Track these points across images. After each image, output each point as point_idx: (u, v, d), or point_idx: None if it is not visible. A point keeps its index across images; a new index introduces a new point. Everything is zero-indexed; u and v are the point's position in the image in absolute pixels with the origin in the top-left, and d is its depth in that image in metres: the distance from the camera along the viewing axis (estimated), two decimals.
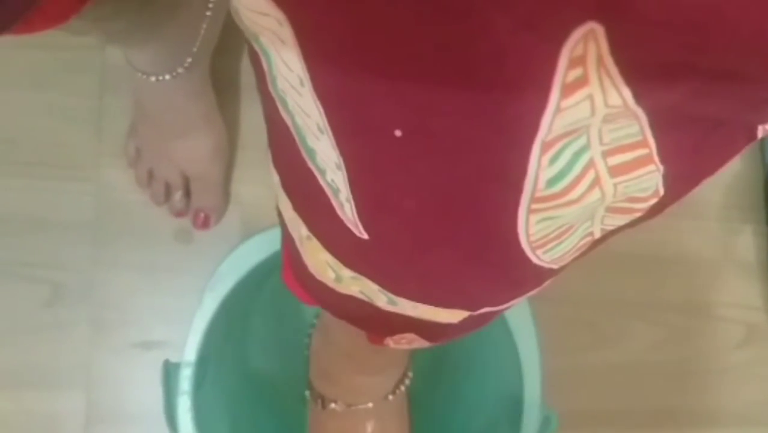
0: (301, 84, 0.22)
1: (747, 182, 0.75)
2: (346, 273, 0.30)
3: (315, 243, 0.30)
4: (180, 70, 0.60)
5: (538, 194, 0.23)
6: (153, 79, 0.60)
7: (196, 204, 0.67)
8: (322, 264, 0.31)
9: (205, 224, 0.68)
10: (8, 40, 0.35)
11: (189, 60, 0.60)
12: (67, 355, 0.69)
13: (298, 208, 0.30)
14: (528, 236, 0.25)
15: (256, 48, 0.23)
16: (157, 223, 0.70)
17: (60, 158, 0.70)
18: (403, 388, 0.48)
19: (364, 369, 0.45)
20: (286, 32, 0.21)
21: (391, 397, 0.48)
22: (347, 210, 0.26)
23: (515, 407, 0.57)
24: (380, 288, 0.29)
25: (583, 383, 0.72)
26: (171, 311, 0.70)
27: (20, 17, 0.34)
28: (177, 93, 0.61)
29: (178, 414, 0.54)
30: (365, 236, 0.26)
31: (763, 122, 0.22)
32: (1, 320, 0.69)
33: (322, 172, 0.25)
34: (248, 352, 0.67)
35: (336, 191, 0.25)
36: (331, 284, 0.31)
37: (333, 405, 0.46)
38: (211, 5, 0.61)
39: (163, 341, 0.69)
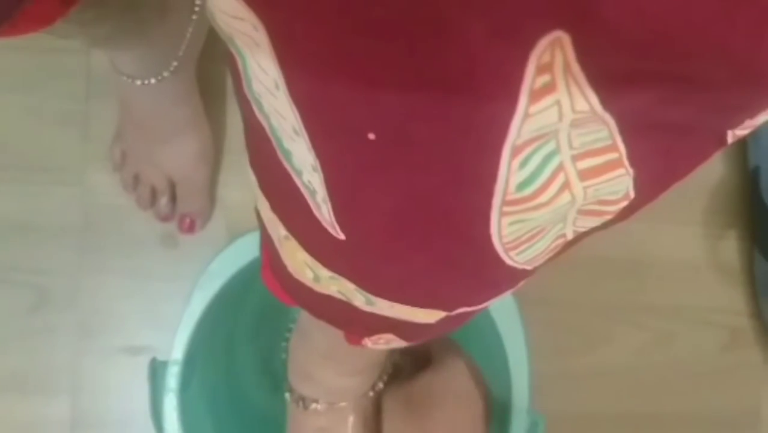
0: (276, 87, 0.22)
1: (731, 187, 0.76)
2: (324, 273, 0.30)
3: (293, 243, 0.30)
4: (165, 74, 0.60)
5: (509, 197, 0.23)
6: (138, 83, 0.59)
7: (182, 208, 0.67)
8: (301, 264, 0.31)
9: (191, 229, 0.68)
10: None
11: (175, 64, 0.60)
12: (53, 360, 0.69)
13: (275, 208, 0.30)
14: (501, 237, 0.25)
15: (232, 50, 0.23)
16: (143, 227, 0.70)
17: (46, 162, 0.69)
18: (381, 385, 0.49)
19: (343, 370, 0.45)
20: (261, 36, 0.21)
21: (371, 394, 0.48)
22: (324, 211, 0.26)
23: (503, 411, 0.57)
24: (357, 288, 0.30)
25: (569, 387, 0.72)
26: (157, 315, 0.70)
27: (5, 20, 0.34)
28: (162, 97, 0.61)
29: (164, 413, 0.54)
30: (342, 237, 0.26)
31: (732, 127, 0.23)
32: None
33: (299, 174, 0.25)
34: (235, 353, 0.67)
35: (313, 192, 0.25)
36: (310, 284, 0.32)
37: (315, 405, 0.46)
38: (197, 9, 0.61)
39: (149, 345, 0.69)
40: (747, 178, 0.75)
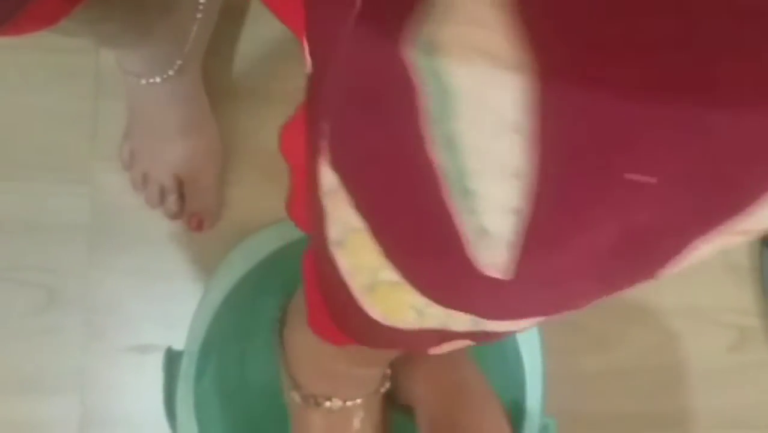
0: (515, 130, 0.21)
1: None
2: (436, 311, 0.29)
3: (402, 288, 0.29)
4: (170, 72, 0.60)
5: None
6: (143, 81, 0.60)
7: (190, 207, 0.67)
8: (402, 306, 0.30)
9: (199, 227, 0.68)
10: (1, 42, 0.35)
11: (179, 63, 0.60)
12: (62, 359, 0.69)
13: (395, 252, 0.29)
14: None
15: (426, 81, 0.22)
16: (152, 226, 0.70)
17: (55, 161, 0.70)
18: (388, 384, 0.48)
19: (367, 361, 0.44)
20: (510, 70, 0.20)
21: (382, 390, 0.48)
22: (493, 253, 0.25)
23: (516, 414, 0.57)
24: (477, 318, 0.29)
25: (578, 386, 0.72)
26: (166, 314, 0.70)
27: (8, 19, 0.34)
28: (168, 96, 0.62)
29: (177, 402, 0.54)
30: (508, 277, 0.26)
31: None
32: None
33: (473, 214, 0.24)
34: (249, 345, 0.67)
35: (481, 233, 0.24)
36: (403, 325, 0.31)
37: (328, 403, 0.46)
38: (201, 8, 0.61)
39: (157, 344, 0.69)
40: None
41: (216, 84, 0.69)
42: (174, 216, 0.68)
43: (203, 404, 0.55)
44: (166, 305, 0.70)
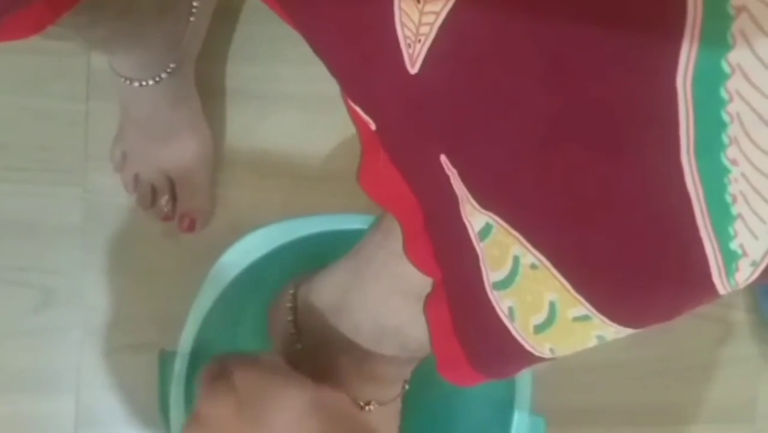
0: None
1: None
2: (621, 333, 0.30)
3: (590, 322, 0.29)
4: (163, 75, 0.60)
5: None
6: (136, 84, 0.60)
7: (182, 208, 0.68)
8: (585, 339, 0.30)
9: (191, 228, 0.68)
10: None
11: (172, 66, 0.60)
12: (58, 358, 0.70)
13: (596, 286, 0.28)
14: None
15: (698, 111, 0.23)
16: (144, 226, 0.70)
17: (47, 163, 0.70)
18: (407, 387, 0.48)
19: (412, 361, 0.45)
20: None
21: (407, 387, 0.48)
22: (741, 273, 0.25)
23: (505, 411, 0.57)
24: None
25: (565, 381, 0.73)
26: (159, 313, 0.70)
27: None
28: (161, 98, 0.62)
29: (171, 403, 0.55)
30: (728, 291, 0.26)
31: None
32: None
33: (728, 239, 0.25)
34: (242, 346, 0.67)
35: (732, 256, 0.25)
36: (567, 353, 0.31)
37: (369, 407, 0.46)
38: (194, 11, 0.62)
39: (152, 343, 0.69)
40: None
41: (209, 85, 0.70)
42: (166, 217, 0.68)
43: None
44: (159, 304, 0.70)
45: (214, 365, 0.44)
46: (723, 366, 0.76)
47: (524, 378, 0.57)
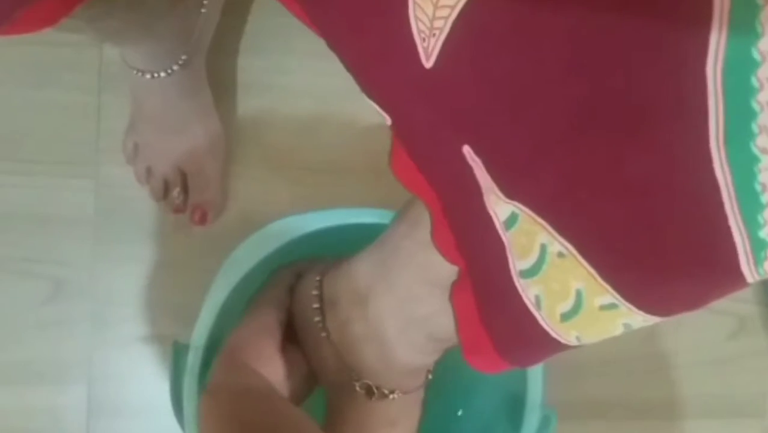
0: None
1: None
2: (647, 320, 0.30)
3: (617, 310, 0.29)
4: (175, 67, 0.60)
5: None
6: (148, 76, 0.60)
7: (194, 200, 0.68)
8: (612, 327, 0.30)
9: (203, 220, 0.68)
10: (4, 38, 0.36)
11: (184, 57, 0.60)
12: (69, 350, 0.70)
13: (623, 274, 0.28)
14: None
15: (728, 100, 0.23)
16: (156, 219, 0.70)
17: (59, 155, 0.70)
18: (430, 376, 0.48)
19: (439, 349, 0.45)
20: None
21: (430, 377, 0.48)
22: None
23: (516, 405, 0.57)
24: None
25: (576, 374, 0.73)
26: (171, 305, 0.71)
27: (6, 21, 0.34)
28: (173, 90, 0.62)
29: (184, 395, 0.55)
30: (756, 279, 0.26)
31: None
32: (3, 316, 0.70)
33: (757, 226, 0.25)
34: None
35: (760, 243, 0.25)
36: (594, 341, 0.32)
37: (392, 396, 0.46)
38: (205, 2, 0.62)
39: (163, 335, 0.70)
40: None
41: (220, 78, 0.70)
42: (177, 209, 0.69)
43: None
44: (171, 296, 0.71)
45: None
46: (734, 360, 0.76)
47: (536, 371, 0.57)
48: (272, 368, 0.46)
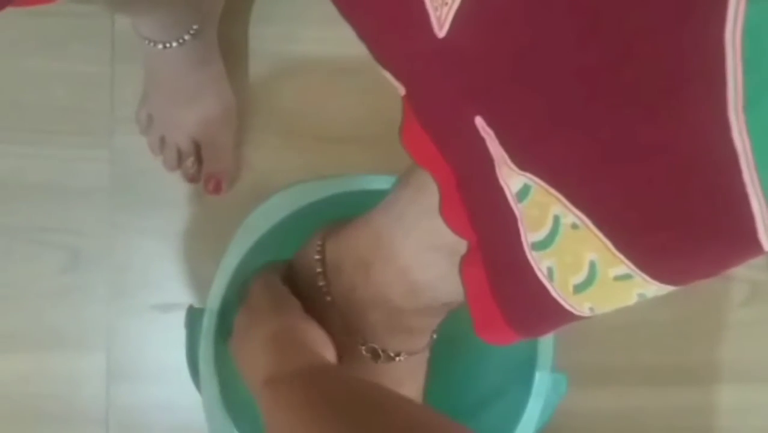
0: None
1: None
2: (661, 289, 0.30)
3: (632, 281, 0.29)
4: (186, 37, 0.60)
5: None
6: (160, 46, 0.60)
7: (208, 169, 0.69)
8: (627, 296, 0.30)
9: (217, 189, 0.69)
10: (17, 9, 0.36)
11: (195, 27, 0.60)
12: (87, 317, 0.71)
13: (640, 245, 0.28)
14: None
15: (745, 67, 0.23)
16: (170, 188, 0.71)
17: (74, 125, 0.71)
18: (435, 336, 0.49)
19: (441, 312, 0.45)
20: None
21: (434, 337, 0.48)
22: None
23: (528, 369, 0.58)
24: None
25: (587, 340, 0.73)
26: (186, 273, 0.71)
27: None
28: (185, 60, 0.62)
29: (199, 359, 0.56)
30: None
31: None
32: (22, 285, 0.71)
33: None
34: None
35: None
36: (607, 310, 0.32)
37: (399, 358, 0.46)
38: None
39: (179, 302, 0.71)
40: None
41: (232, 47, 0.70)
42: (192, 178, 0.69)
43: (224, 360, 0.56)
44: (186, 264, 0.71)
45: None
46: (746, 326, 0.76)
47: (546, 336, 0.58)
48: (318, 341, 0.45)
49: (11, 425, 0.71)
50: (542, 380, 0.57)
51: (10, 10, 0.34)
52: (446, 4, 0.27)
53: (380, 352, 0.46)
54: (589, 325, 0.72)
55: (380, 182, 0.57)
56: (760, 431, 0.76)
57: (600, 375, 0.74)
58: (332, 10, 0.32)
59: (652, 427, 0.75)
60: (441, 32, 0.28)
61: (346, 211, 0.49)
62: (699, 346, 0.75)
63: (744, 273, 0.75)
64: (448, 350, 0.61)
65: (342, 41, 0.68)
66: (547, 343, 0.58)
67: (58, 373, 0.71)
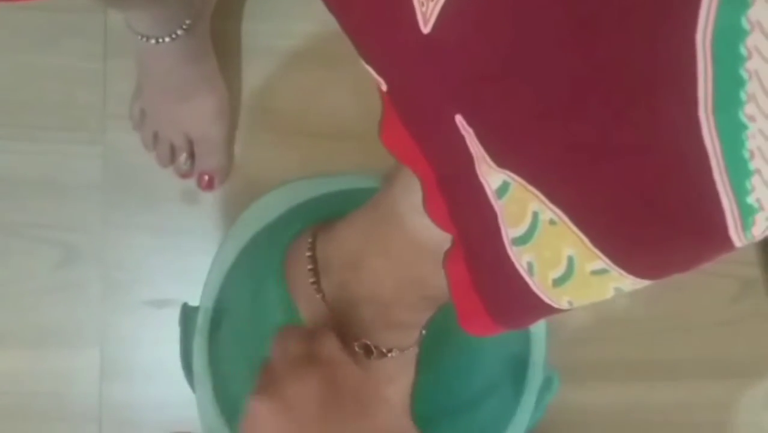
0: None
1: None
2: (637, 284, 0.30)
3: (609, 275, 0.30)
4: (179, 32, 0.60)
5: None
6: (153, 42, 0.60)
7: (201, 166, 0.69)
8: (604, 290, 0.31)
9: (210, 185, 0.69)
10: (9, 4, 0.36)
11: (188, 22, 0.60)
12: (81, 314, 0.71)
13: (614, 240, 0.29)
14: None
15: (717, 69, 0.23)
16: (164, 184, 0.71)
17: (66, 121, 0.71)
18: (424, 332, 0.49)
19: (434, 307, 0.45)
20: None
21: (423, 333, 0.48)
22: (759, 227, 0.26)
23: (520, 367, 0.58)
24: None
25: (579, 337, 0.73)
26: (179, 270, 0.71)
27: None
28: (177, 56, 0.62)
29: (193, 356, 0.56)
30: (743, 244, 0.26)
31: None
32: (15, 281, 0.71)
33: (744, 194, 0.25)
34: (263, 302, 0.68)
35: (749, 210, 0.25)
36: (585, 303, 0.32)
37: (391, 354, 0.47)
38: None
39: (172, 299, 0.71)
40: None
41: (225, 43, 0.70)
42: (185, 174, 0.69)
43: (218, 357, 0.56)
44: (180, 260, 0.71)
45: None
46: (737, 322, 0.76)
47: (539, 334, 0.58)
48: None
49: (4, 422, 0.71)
50: (534, 377, 0.57)
51: (1, 6, 0.34)
52: None
53: (373, 348, 0.46)
54: (581, 322, 0.73)
55: (373, 180, 0.57)
56: (749, 426, 0.76)
57: (592, 371, 0.75)
58: (324, 7, 0.32)
59: (644, 422, 0.76)
60: (426, 28, 0.28)
61: (339, 209, 0.49)
62: (690, 342, 0.76)
63: (734, 269, 0.76)
64: (440, 346, 0.61)
65: (335, 38, 0.68)
66: (539, 340, 0.58)
67: (51, 370, 0.71)
